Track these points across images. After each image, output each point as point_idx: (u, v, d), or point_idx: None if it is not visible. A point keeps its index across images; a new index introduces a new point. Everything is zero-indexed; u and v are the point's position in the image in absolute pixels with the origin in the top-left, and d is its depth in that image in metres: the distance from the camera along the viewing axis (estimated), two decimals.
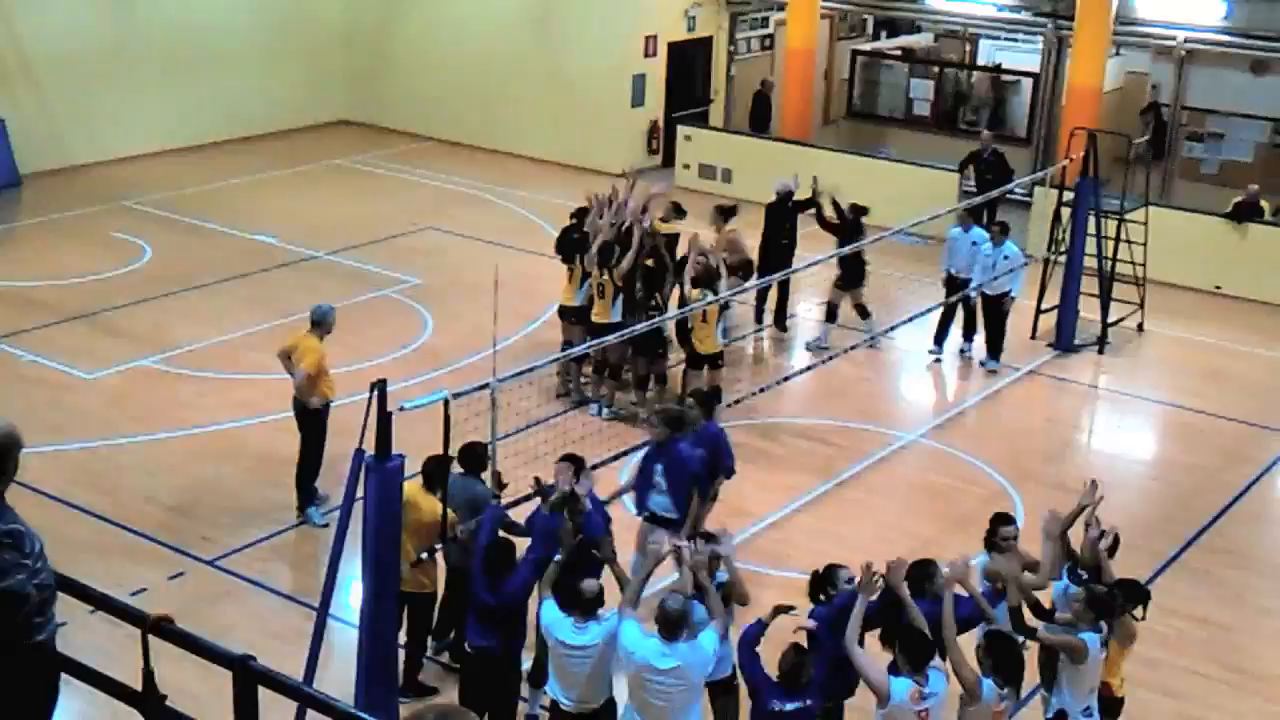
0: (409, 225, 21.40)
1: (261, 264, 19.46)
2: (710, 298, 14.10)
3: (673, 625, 8.26)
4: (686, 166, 24.39)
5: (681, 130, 24.66)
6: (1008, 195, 20.11)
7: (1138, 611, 9.18)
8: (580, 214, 15.61)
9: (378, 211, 22.18)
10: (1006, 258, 16.26)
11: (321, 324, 12.41)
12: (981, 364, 16.87)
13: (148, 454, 13.80)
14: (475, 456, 10.13)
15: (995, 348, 16.84)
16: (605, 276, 14.63)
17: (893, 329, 16.06)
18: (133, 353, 16.16)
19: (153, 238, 20.33)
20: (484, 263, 16.86)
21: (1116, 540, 9.48)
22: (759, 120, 25.56)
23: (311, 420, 12.40)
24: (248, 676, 4.07)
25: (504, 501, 9.75)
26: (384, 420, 8.67)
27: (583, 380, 15.24)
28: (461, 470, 10.08)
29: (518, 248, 19.86)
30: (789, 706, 8.12)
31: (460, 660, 9.69)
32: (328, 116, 27.64)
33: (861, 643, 8.44)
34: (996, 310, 16.68)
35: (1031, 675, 9.74)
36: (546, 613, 8.73)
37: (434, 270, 19.28)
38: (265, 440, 14.18)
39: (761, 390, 14.73)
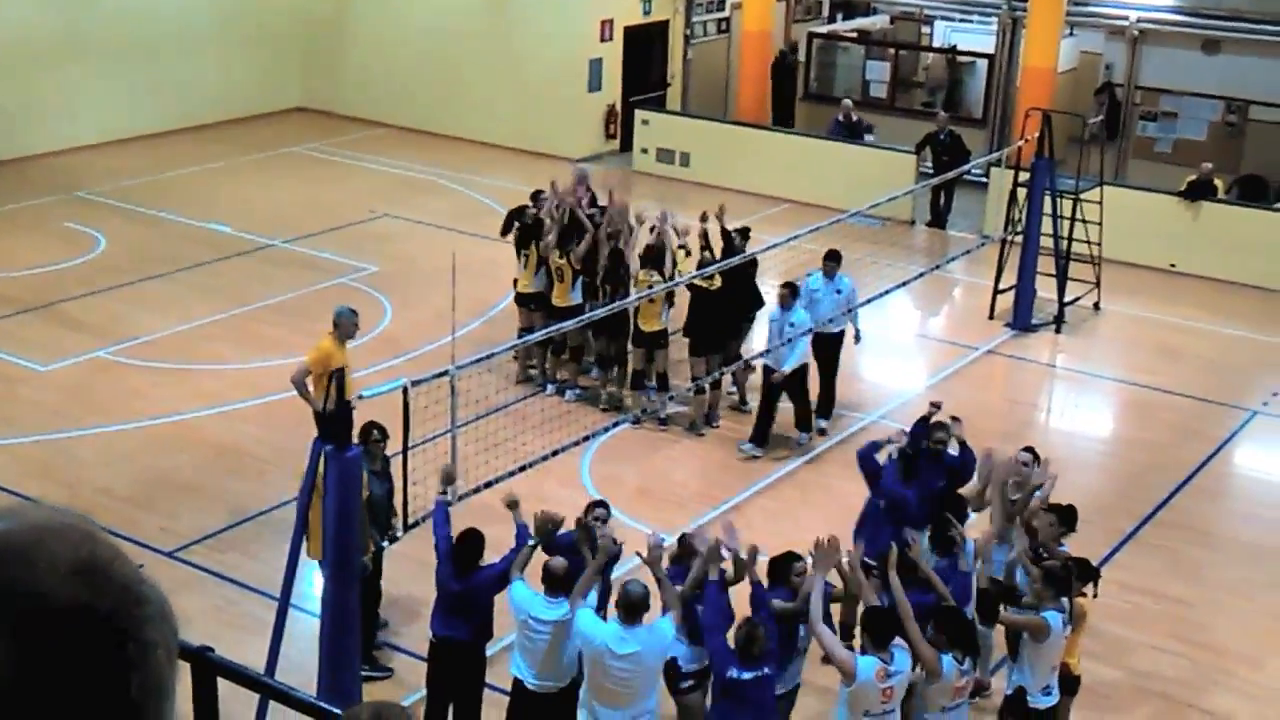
0: (365, 212, 21.29)
1: (217, 253, 19.31)
2: (656, 278, 14.12)
3: (634, 609, 8.29)
4: (644, 151, 24.36)
5: (639, 114, 24.61)
6: (964, 176, 20.19)
7: (1088, 589, 9.27)
8: (536, 198, 15.57)
9: (334, 199, 22.05)
10: (792, 324, 13.65)
11: (339, 326, 12.01)
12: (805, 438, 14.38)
13: (104, 445, 13.68)
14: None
15: (805, 420, 14.34)
16: (564, 260, 14.63)
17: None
18: (88, 344, 16.01)
19: (107, 228, 20.14)
20: (441, 249, 16.76)
21: (1072, 513, 9.70)
22: (783, 93, 25.32)
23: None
24: (206, 668, 4.03)
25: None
26: (343, 408, 8.64)
27: (529, 365, 15.24)
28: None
29: (475, 234, 19.78)
30: (746, 675, 8.20)
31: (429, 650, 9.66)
32: (283, 104, 27.42)
33: (826, 621, 8.50)
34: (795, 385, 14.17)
35: (1000, 648, 9.85)
36: (517, 591, 8.77)
37: (391, 258, 19.19)
38: (223, 430, 14.09)
39: (722, 373, 14.73)
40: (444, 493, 9.54)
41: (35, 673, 1.11)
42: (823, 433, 14.51)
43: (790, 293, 13.73)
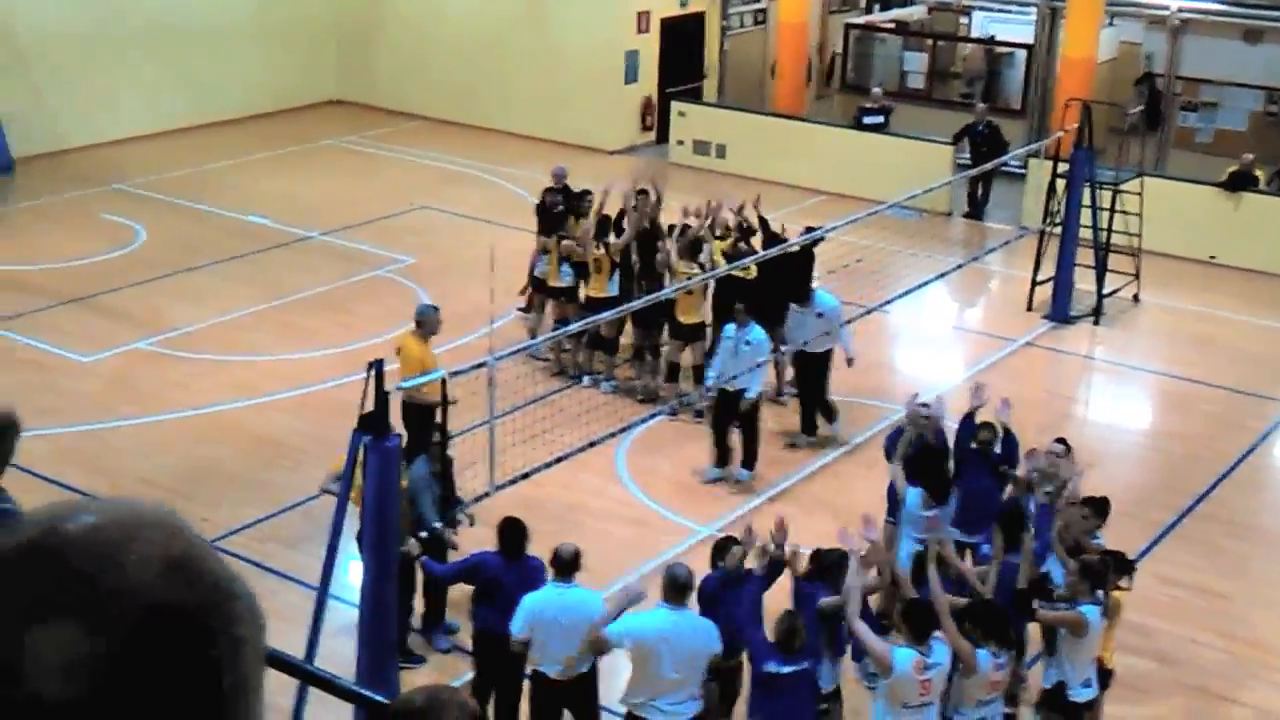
0: (402, 205, 21.36)
1: (255, 245, 19.42)
2: (695, 269, 14.13)
3: (682, 589, 8.34)
4: (680, 143, 24.34)
5: (675, 107, 24.59)
6: (1002, 168, 20.09)
7: (1124, 582, 9.23)
8: (582, 196, 15.65)
9: (371, 191, 22.13)
10: (748, 343, 12.99)
11: (423, 324, 12.07)
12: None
13: (145, 436, 13.79)
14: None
15: (749, 456, 13.40)
16: (601, 251, 14.66)
17: (889, 303, 16.03)
18: (128, 335, 16.14)
19: (146, 220, 20.28)
20: (478, 242, 16.82)
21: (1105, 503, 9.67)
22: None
23: (413, 418, 11.78)
24: None
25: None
26: (381, 399, 8.67)
27: (563, 353, 15.30)
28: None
29: (512, 226, 19.79)
30: (786, 669, 8.21)
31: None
32: (319, 97, 27.54)
33: (864, 616, 8.50)
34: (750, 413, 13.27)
35: (1035, 642, 9.81)
36: (530, 598, 8.84)
37: (428, 250, 19.25)
38: (262, 421, 14.18)
39: (759, 365, 14.70)
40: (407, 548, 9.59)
41: (127, 671, 1.12)
42: (797, 445, 13.98)
43: (747, 309, 13.03)
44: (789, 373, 15.07)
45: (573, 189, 16.15)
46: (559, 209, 15.72)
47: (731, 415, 13.08)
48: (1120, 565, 9.24)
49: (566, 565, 8.80)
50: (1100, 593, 8.74)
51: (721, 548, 9.32)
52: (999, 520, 9.45)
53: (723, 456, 13.26)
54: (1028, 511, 9.74)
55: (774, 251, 13.88)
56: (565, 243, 14.96)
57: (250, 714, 1.21)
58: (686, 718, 8.56)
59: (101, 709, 1.11)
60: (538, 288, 15.56)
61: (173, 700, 1.14)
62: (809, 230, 14.76)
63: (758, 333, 12.96)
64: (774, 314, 14.57)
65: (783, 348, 13.97)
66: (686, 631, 8.41)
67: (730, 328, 13.06)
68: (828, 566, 9.04)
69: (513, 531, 9.28)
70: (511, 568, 9.19)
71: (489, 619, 9.27)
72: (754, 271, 14.03)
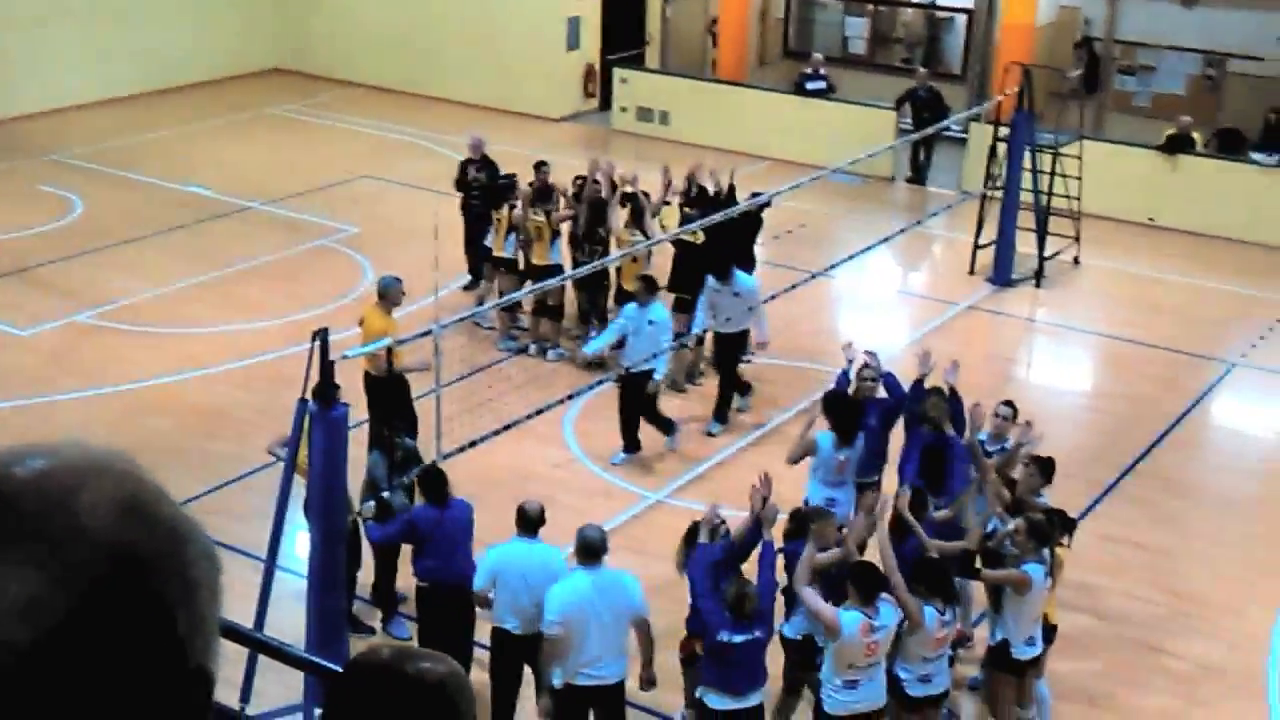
0: (345, 174, 21.20)
1: (196, 215, 19.23)
2: (639, 236, 14.18)
3: (595, 550, 8.47)
4: (624, 110, 24.29)
5: (618, 73, 24.52)
6: (944, 132, 20.19)
7: (1065, 540, 9.37)
8: (539, 167, 15.49)
9: (313, 160, 21.95)
10: (652, 323, 12.60)
11: (385, 295, 12.00)
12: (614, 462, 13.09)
13: (86, 410, 13.66)
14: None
15: (659, 423, 13.17)
16: (541, 219, 14.65)
17: (832, 268, 16.11)
18: (67, 308, 15.96)
19: (83, 191, 20.02)
20: (421, 210, 16.74)
21: (1050, 464, 9.80)
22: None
23: (374, 389, 11.84)
24: None
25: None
26: (326, 369, 8.64)
27: (515, 327, 15.24)
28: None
29: (455, 194, 19.71)
30: (738, 638, 8.23)
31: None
32: (259, 65, 27.24)
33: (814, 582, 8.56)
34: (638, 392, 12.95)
35: (981, 600, 9.95)
36: (494, 551, 8.87)
37: (371, 218, 19.14)
38: (206, 393, 14.09)
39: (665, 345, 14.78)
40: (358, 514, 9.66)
41: (83, 614, 1.12)
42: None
43: (647, 287, 12.65)
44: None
45: (492, 159, 16.21)
46: (503, 180, 15.64)
47: (639, 397, 12.69)
48: (1063, 523, 9.38)
49: (532, 522, 8.87)
50: (1045, 551, 8.86)
51: (702, 529, 9.14)
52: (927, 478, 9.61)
53: (632, 442, 12.94)
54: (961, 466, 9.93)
55: (718, 217, 13.88)
56: (515, 213, 14.89)
57: (208, 655, 1.22)
58: (619, 678, 8.63)
59: (58, 651, 1.11)
60: (485, 257, 15.52)
61: (129, 641, 1.15)
62: (755, 195, 14.80)
63: (660, 311, 12.57)
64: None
65: (693, 327, 13.57)
66: (608, 589, 8.45)
67: (631, 307, 12.64)
68: (805, 523, 9.07)
69: (433, 480, 9.40)
70: (442, 515, 9.29)
71: (430, 569, 9.38)
72: (701, 237, 14.05)
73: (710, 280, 13.24)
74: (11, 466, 1.19)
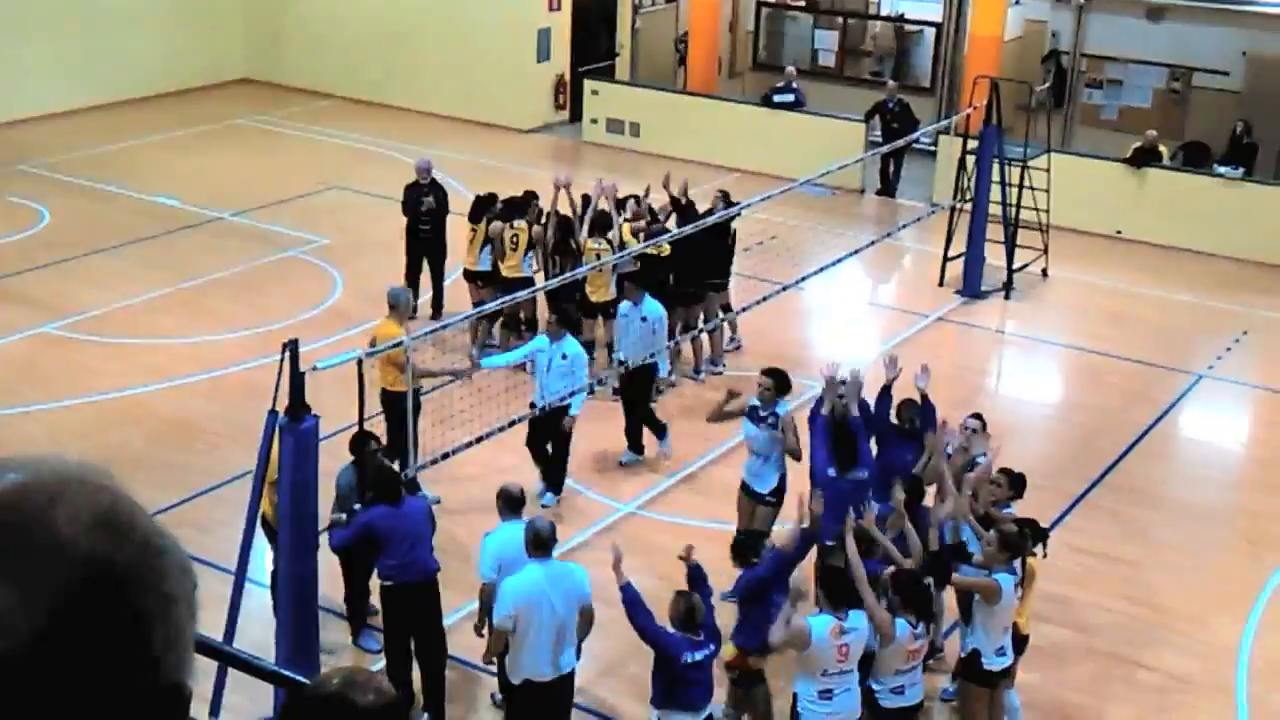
0: (314, 185, 21.13)
1: (164, 226, 19.13)
2: (604, 247, 14.25)
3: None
4: (594, 121, 24.30)
5: (588, 85, 24.54)
6: (913, 145, 20.28)
7: (1037, 550, 9.40)
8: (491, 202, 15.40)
9: (282, 171, 21.88)
10: (564, 357, 11.93)
11: (396, 307, 11.83)
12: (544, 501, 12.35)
13: (53, 421, 13.55)
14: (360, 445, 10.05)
15: (557, 477, 12.49)
16: (513, 231, 14.63)
17: (803, 279, 16.15)
18: (34, 319, 15.84)
19: (50, 202, 19.89)
20: (391, 221, 16.70)
21: (1021, 479, 9.81)
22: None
23: (389, 404, 11.54)
24: None
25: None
26: (297, 381, 8.61)
27: (490, 344, 15.18)
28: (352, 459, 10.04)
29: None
30: (698, 656, 8.34)
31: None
32: (227, 75, 27.14)
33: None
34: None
35: (952, 611, 9.97)
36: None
37: (341, 230, 19.07)
38: (174, 405, 14.00)
39: (676, 343, 14.79)
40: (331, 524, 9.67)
41: (60, 626, 1.12)
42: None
43: (558, 321, 12.17)
44: (706, 349, 15.17)
45: (440, 182, 16.01)
46: (434, 206, 15.56)
47: (549, 435, 12.06)
48: (1035, 533, 9.42)
49: (545, 544, 8.64)
50: (1016, 562, 8.89)
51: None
52: (906, 488, 9.59)
53: (559, 482, 12.40)
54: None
55: (689, 229, 13.89)
56: (494, 225, 14.79)
57: (183, 671, 1.21)
58: (571, 667, 8.73)
59: (36, 663, 1.11)
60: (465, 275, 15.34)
61: (106, 654, 1.14)
62: (726, 200, 14.81)
63: (572, 345, 12.01)
64: (689, 294, 14.65)
65: (618, 355, 13.17)
66: (559, 580, 8.55)
67: (543, 339, 12.14)
68: (742, 549, 9.17)
69: (385, 479, 9.38)
70: (398, 512, 9.26)
71: (393, 569, 9.36)
72: (667, 249, 14.06)
73: (623, 305, 13.16)
74: None
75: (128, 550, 1.18)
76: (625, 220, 14.72)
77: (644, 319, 12.86)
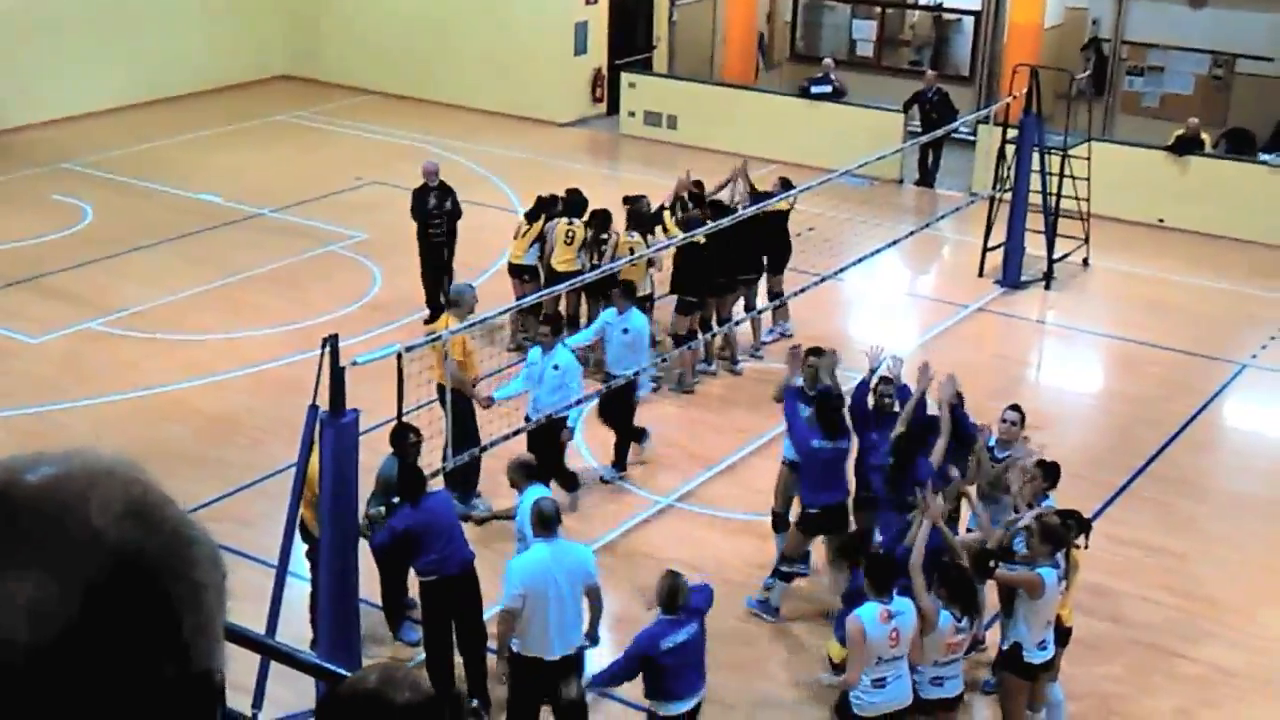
0: (353, 180, 21.23)
1: (205, 223, 19.26)
2: (637, 238, 14.32)
3: (550, 522, 8.70)
4: (632, 114, 24.29)
5: (625, 78, 24.53)
6: (952, 135, 20.18)
7: (1080, 541, 9.35)
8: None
9: (321, 167, 21.98)
10: (556, 367, 11.63)
11: (459, 303, 11.78)
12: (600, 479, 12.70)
13: (96, 417, 13.68)
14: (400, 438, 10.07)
15: (564, 477, 12.13)
16: (573, 224, 14.63)
17: (842, 270, 16.10)
18: (78, 316, 15.99)
19: (93, 199, 20.07)
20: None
21: (1055, 469, 9.75)
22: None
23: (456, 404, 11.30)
24: None
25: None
26: (337, 375, 8.66)
27: (523, 334, 15.19)
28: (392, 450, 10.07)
29: (463, 200, 19.69)
30: (680, 637, 8.43)
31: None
32: (267, 72, 27.29)
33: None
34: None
35: (994, 604, 9.93)
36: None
37: (380, 225, 19.13)
38: (215, 400, 14.11)
39: (712, 335, 14.80)
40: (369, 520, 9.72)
41: (91, 615, 1.14)
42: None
43: (554, 330, 11.98)
44: (764, 328, 15.23)
45: (449, 185, 15.49)
46: (445, 207, 15.23)
47: (544, 448, 11.55)
48: (1078, 524, 9.36)
49: (550, 522, 8.80)
50: (1059, 555, 8.84)
51: (856, 546, 9.45)
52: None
53: (570, 479, 12.15)
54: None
55: (725, 221, 13.89)
56: (553, 221, 14.74)
57: (213, 659, 1.23)
58: (580, 644, 8.81)
59: (67, 652, 1.12)
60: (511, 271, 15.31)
61: (135, 642, 1.16)
62: (785, 185, 15.14)
63: (564, 355, 11.71)
64: (721, 285, 14.65)
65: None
66: (565, 559, 8.68)
67: (535, 351, 11.94)
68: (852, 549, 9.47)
69: (404, 478, 9.43)
70: (422, 510, 9.33)
71: (434, 563, 9.43)
72: (703, 240, 14.07)
73: (608, 310, 12.86)
74: (22, 473, 1.20)
75: (158, 539, 1.20)
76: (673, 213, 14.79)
77: (625, 330, 12.45)
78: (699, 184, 15.56)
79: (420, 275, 15.61)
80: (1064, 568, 8.87)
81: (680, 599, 8.41)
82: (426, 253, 15.43)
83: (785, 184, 15.28)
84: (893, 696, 8.40)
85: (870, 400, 10.70)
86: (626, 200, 15.15)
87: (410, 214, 15.56)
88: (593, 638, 9.02)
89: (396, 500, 9.56)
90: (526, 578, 8.56)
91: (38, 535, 1.15)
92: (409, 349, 10.02)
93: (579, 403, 11.91)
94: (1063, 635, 9.29)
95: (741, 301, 15.39)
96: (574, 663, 8.82)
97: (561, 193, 15.29)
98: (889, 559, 8.60)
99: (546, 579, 8.57)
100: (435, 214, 15.24)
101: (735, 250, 14.42)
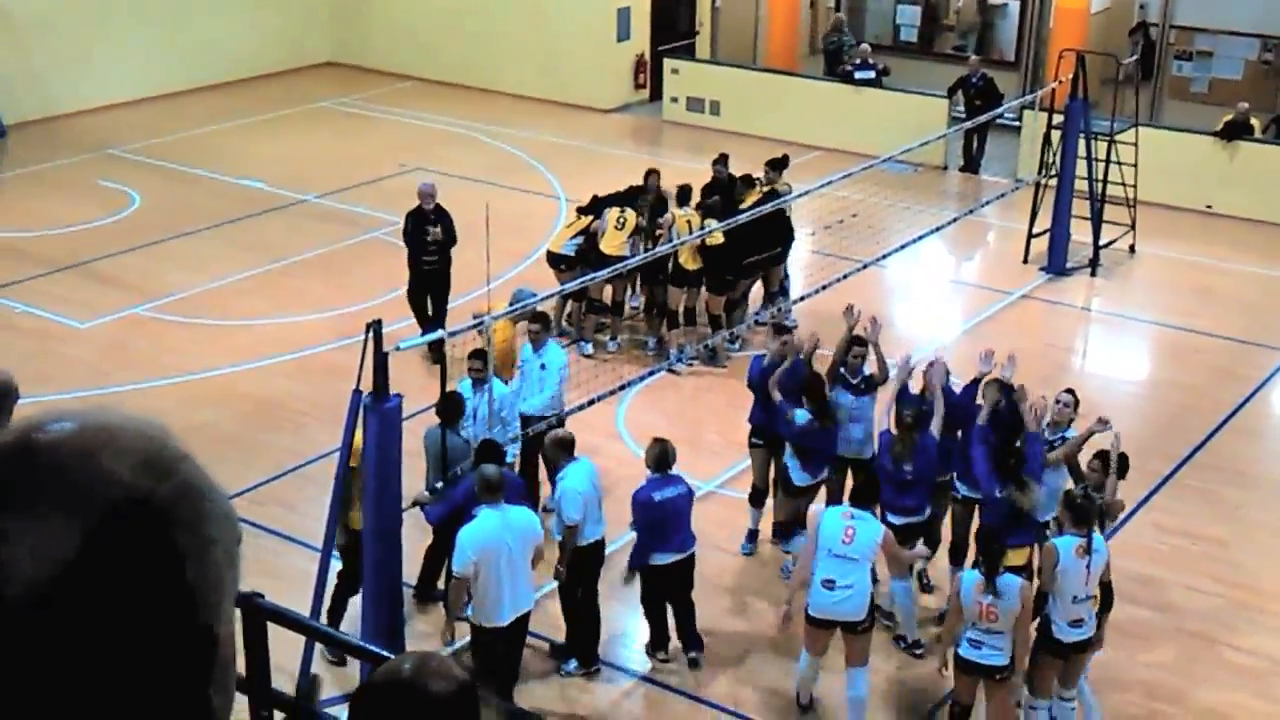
0: (397, 166, 21.29)
1: (250, 209, 19.37)
2: (691, 214, 14.51)
3: (495, 487, 8.85)
4: (674, 100, 24.24)
5: (668, 64, 24.48)
6: (997, 120, 20.03)
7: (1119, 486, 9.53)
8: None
9: (365, 153, 22.06)
10: (544, 366, 11.36)
11: (517, 300, 11.68)
12: None
13: (142, 402, 13.79)
14: (453, 407, 10.10)
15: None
16: (625, 211, 14.65)
17: (885, 257, 16.02)
18: (125, 301, 16.13)
19: (140, 185, 20.22)
20: (473, 202, 16.70)
21: (1124, 460, 9.71)
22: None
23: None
24: (256, 614, 4.10)
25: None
26: (380, 360, 8.70)
27: (580, 319, 15.22)
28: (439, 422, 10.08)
29: (507, 186, 19.79)
30: (669, 492, 9.42)
31: None
32: (312, 59, 27.41)
33: None
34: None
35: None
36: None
37: None
38: (259, 385, 14.20)
39: (757, 321, 14.78)
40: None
41: (95, 556, 1.17)
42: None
43: (542, 329, 11.50)
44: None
45: (445, 209, 14.38)
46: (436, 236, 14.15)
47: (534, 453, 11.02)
48: (1119, 466, 9.58)
49: (495, 488, 8.90)
50: (1084, 529, 8.74)
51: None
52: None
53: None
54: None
55: (746, 216, 13.85)
56: (596, 221, 14.77)
57: (218, 616, 1.25)
58: (529, 607, 9.03)
59: (70, 591, 1.16)
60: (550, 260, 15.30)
61: (136, 586, 1.19)
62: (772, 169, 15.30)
63: (552, 353, 11.49)
64: (743, 268, 14.68)
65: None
66: (513, 523, 8.79)
67: (525, 349, 11.60)
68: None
69: (491, 449, 9.45)
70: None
71: None
72: (720, 238, 14.07)
73: (525, 349, 11.67)
74: (44, 426, 1.26)
75: (167, 488, 1.23)
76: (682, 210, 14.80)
77: (543, 366, 11.44)
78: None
79: (410, 306, 14.42)
80: (1088, 543, 8.72)
81: (669, 460, 9.49)
82: (419, 281, 14.32)
83: (774, 165, 15.51)
84: (838, 604, 8.81)
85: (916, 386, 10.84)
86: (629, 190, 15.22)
87: (403, 238, 14.52)
88: (557, 573, 9.60)
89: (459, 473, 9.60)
90: (478, 546, 8.64)
91: (53, 480, 1.20)
92: (452, 334, 10.06)
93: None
94: (1106, 595, 9.10)
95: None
96: (524, 625, 9.07)
97: (614, 188, 15.32)
98: (870, 481, 9.44)
99: (498, 545, 8.68)
100: (431, 242, 14.15)
101: (759, 231, 14.42)
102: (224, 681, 1.27)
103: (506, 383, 11.23)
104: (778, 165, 15.75)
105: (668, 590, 9.74)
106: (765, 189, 15.27)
